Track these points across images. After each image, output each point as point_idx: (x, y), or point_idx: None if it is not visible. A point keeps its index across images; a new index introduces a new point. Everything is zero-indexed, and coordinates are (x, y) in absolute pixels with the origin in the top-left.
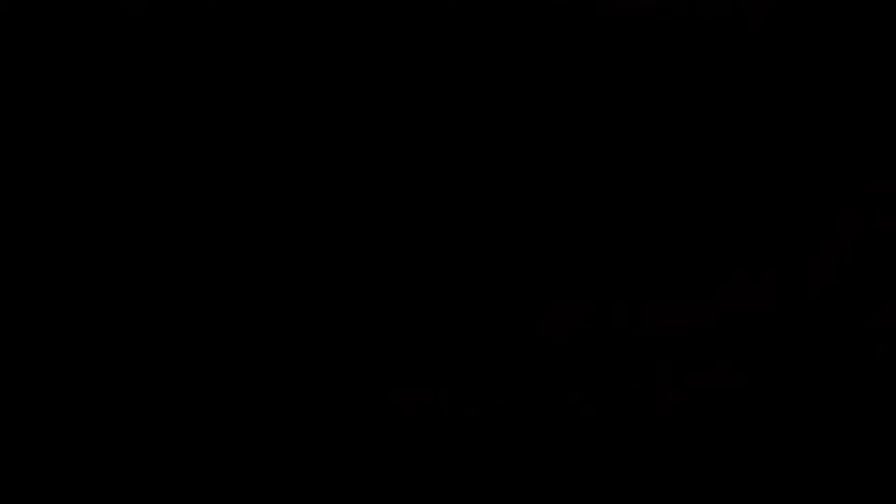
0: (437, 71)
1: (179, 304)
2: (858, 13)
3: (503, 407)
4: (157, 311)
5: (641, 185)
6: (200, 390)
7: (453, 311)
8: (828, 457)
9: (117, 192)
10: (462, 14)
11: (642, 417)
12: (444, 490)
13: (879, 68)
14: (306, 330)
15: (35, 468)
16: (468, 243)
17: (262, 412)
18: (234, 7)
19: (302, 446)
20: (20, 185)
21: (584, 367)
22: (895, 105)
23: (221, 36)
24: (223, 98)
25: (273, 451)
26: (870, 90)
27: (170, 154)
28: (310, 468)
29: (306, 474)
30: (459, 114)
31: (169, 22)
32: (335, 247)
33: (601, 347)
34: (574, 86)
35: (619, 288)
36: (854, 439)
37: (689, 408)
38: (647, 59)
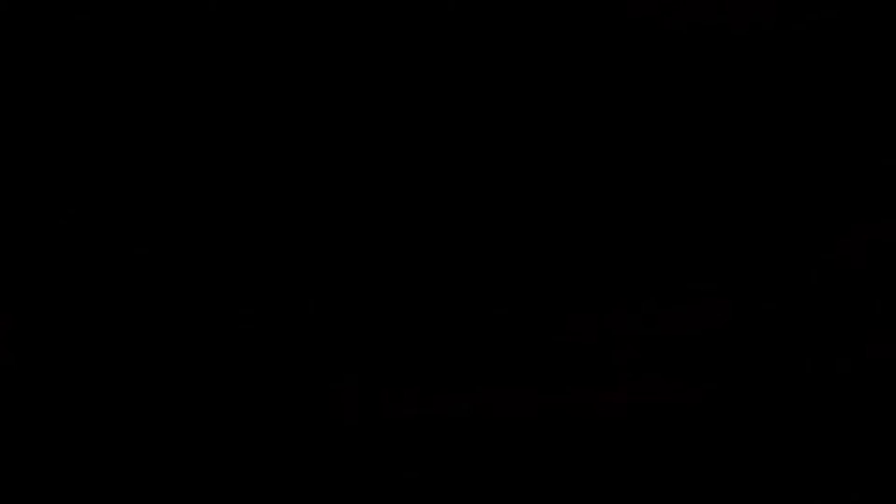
0: (450, 74)
1: (178, 303)
2: (847, 19)
3: (487, 406)
4: (155, 310)
5: (625, 195)
6: (202, 389)
7: (449, 314)
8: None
9: (114, 191)
10: (463, 15)
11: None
12: (442, 489)
13: (871, 74)
14: (305, 330)
15: (35, 468)
16: (462, 245)
17: (255, 411)
18: (234, 7)
19: (292, 445)
20: (20, 185)
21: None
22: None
23: (221, 36)
24: (222, 98)
25: (266, 451)
26: (861, 96)
27: (164, 154)
28: (302, 467)
29: (298, 473)
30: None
31: (169, 22)
32: (348, 247)
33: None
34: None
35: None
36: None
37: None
38: (648, 66)
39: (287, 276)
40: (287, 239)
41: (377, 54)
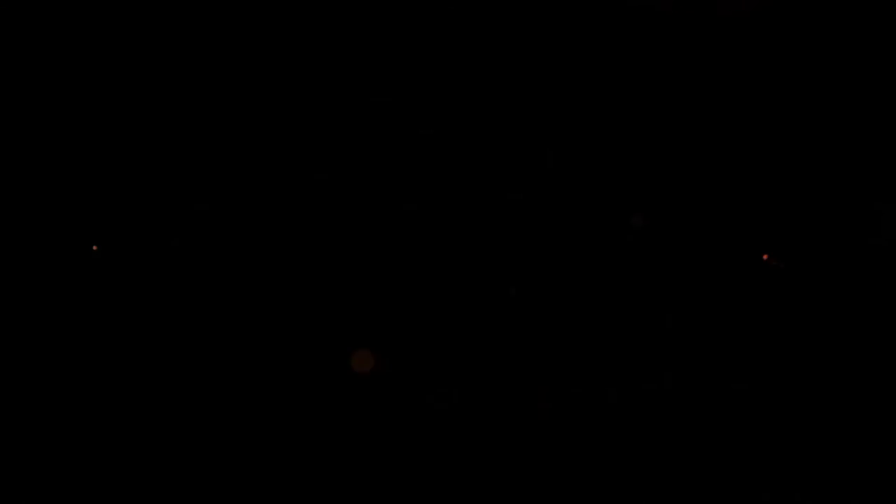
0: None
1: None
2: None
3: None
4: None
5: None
6: (208, 390)
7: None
8: None
9: (118, 192)
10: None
11: None
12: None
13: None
14: (316, 332)
15: (35, 468)
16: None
17: (267, 411)
18: (234, 7)
19: (306, 446)
20: (20, 185)
21: None
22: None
23: (221, 36)
24: (223, 98)
25: (282, 450)
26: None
27: (170, 154)
28: (317, 467)
29: (313, 473)
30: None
31: (169, 22)
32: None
33: None
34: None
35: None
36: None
37: None
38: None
39: (327, 277)
40: (326, 241)
41: (377, 54)
